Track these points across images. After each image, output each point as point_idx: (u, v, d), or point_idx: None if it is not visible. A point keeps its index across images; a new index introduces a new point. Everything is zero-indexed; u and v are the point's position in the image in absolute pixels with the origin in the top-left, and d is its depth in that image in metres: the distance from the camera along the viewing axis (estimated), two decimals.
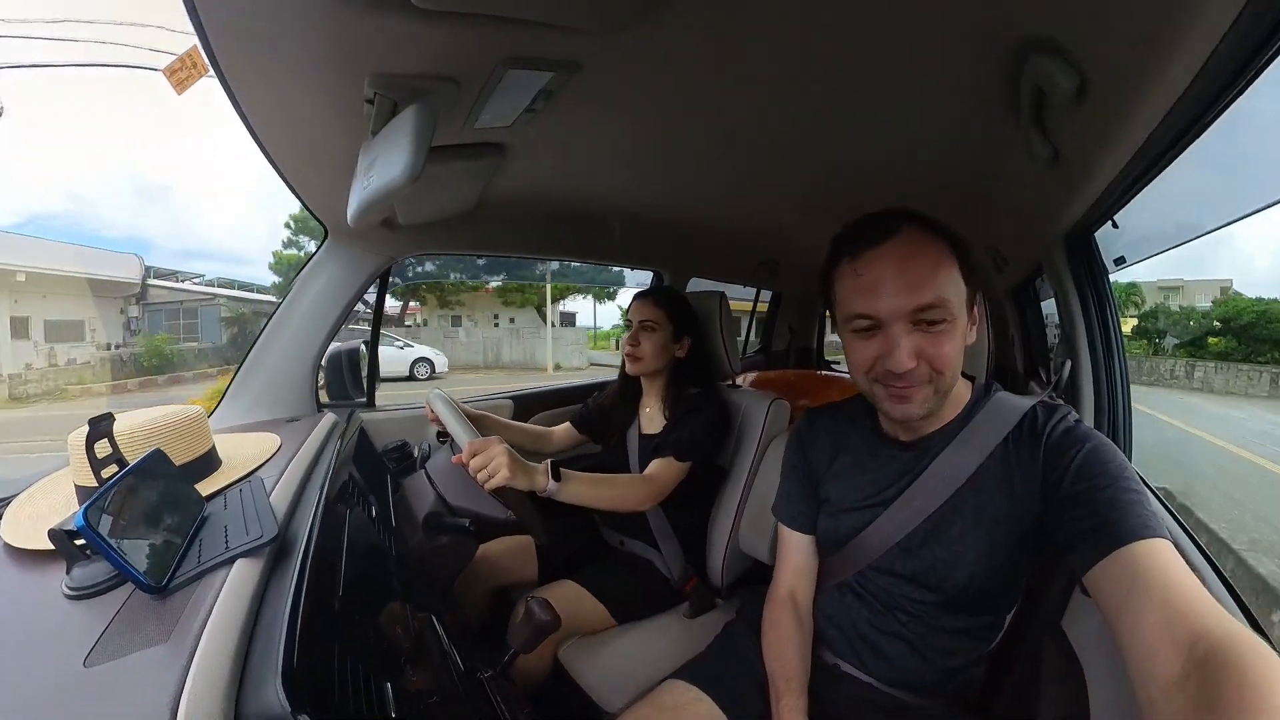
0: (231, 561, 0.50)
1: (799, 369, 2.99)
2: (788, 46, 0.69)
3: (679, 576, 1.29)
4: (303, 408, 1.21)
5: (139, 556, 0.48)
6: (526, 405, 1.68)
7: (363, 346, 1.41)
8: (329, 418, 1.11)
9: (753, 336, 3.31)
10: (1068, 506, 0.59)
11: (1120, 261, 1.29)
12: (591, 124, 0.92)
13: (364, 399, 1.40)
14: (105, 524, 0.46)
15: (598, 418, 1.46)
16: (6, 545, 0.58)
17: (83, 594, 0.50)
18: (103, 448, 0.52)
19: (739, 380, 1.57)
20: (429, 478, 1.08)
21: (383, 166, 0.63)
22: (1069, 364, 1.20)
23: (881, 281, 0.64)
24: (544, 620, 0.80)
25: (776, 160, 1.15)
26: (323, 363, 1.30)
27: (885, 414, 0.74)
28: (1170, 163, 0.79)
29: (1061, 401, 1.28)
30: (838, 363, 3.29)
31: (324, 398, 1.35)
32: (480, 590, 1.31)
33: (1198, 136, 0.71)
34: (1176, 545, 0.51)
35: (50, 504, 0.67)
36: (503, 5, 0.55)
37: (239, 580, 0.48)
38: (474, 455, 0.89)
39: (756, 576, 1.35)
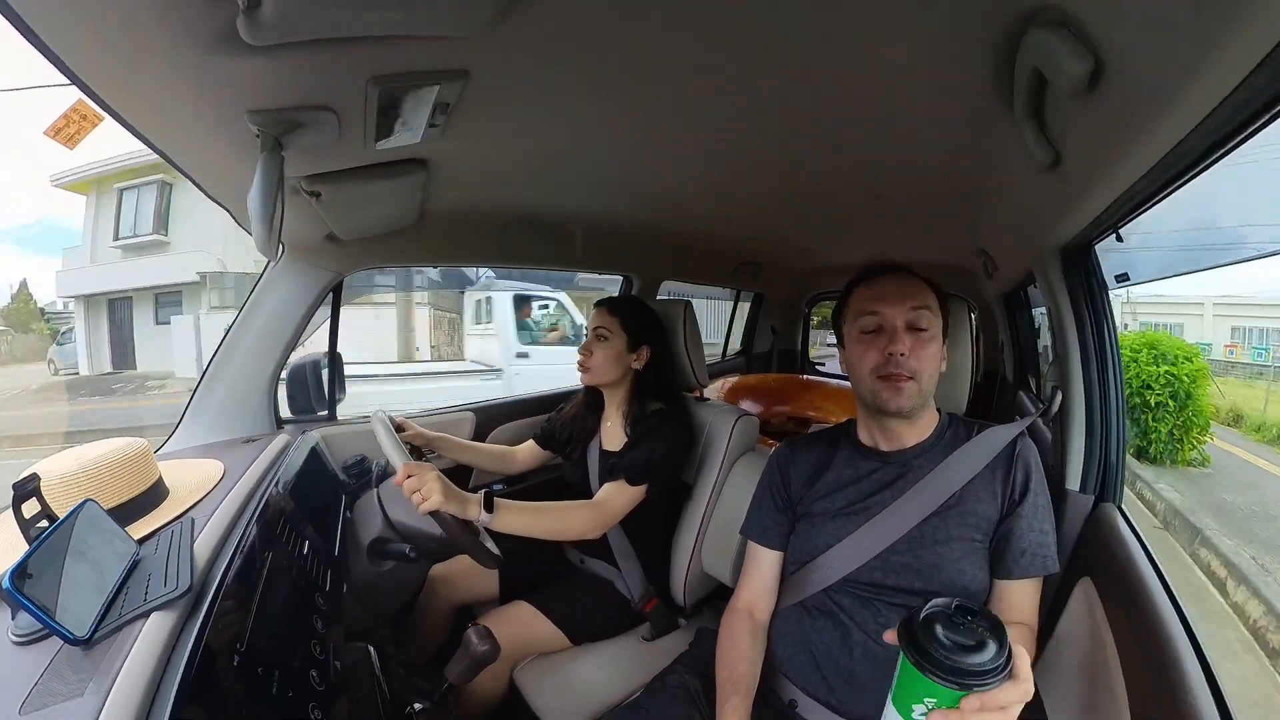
0: (148, 614, 0.59)
1: (781, 373, 3.03)
2: (745, 28, 0.67)
3: (639, 597, 1.36)
4: (260, 426, 1.32)
5: (67, 609, 0.58)
6: (489, 417, 1.76)
7: (324, 359, 1.50)
8: (281, 439, 1.21)
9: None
10: (1006, 528, 0.86)
11: (1123, 279, 1.27)
12: (516, 130, 0.93)
13: (325, 412, 1.50)
14: (32, 583, 0.56)
15: (561, 431, 1.52)
16: None
17: (26, 640, 0.60)
18: (30, 507, 0.62)
19: (708, 391, 1.61)
20: (379, 499, 1.17)
21: (252, 208, 0.69)
22: (1059, 394, 1.20)
23: (887, 291, 0.91)
24: (481, 651, 0.88)
25: (746, 158, 1.16)
26: (285, 376, 1.40)
27: (883, 407, 0.90)
28: (1201, 173, 0.71)
29: (1045, 429, 1.29)
30: (822, 363, 3.30)
31: (290, 410, 1.46)
32: (441, 609, 1.41)
33: (1242, 144, 0.61)
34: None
35: (8, 537, 0.78)
36: (340, 26, 0.57)
37: (152, 633, 0.57)
38: (408, 477, 0.97)
39: (721, 594, 1.42)
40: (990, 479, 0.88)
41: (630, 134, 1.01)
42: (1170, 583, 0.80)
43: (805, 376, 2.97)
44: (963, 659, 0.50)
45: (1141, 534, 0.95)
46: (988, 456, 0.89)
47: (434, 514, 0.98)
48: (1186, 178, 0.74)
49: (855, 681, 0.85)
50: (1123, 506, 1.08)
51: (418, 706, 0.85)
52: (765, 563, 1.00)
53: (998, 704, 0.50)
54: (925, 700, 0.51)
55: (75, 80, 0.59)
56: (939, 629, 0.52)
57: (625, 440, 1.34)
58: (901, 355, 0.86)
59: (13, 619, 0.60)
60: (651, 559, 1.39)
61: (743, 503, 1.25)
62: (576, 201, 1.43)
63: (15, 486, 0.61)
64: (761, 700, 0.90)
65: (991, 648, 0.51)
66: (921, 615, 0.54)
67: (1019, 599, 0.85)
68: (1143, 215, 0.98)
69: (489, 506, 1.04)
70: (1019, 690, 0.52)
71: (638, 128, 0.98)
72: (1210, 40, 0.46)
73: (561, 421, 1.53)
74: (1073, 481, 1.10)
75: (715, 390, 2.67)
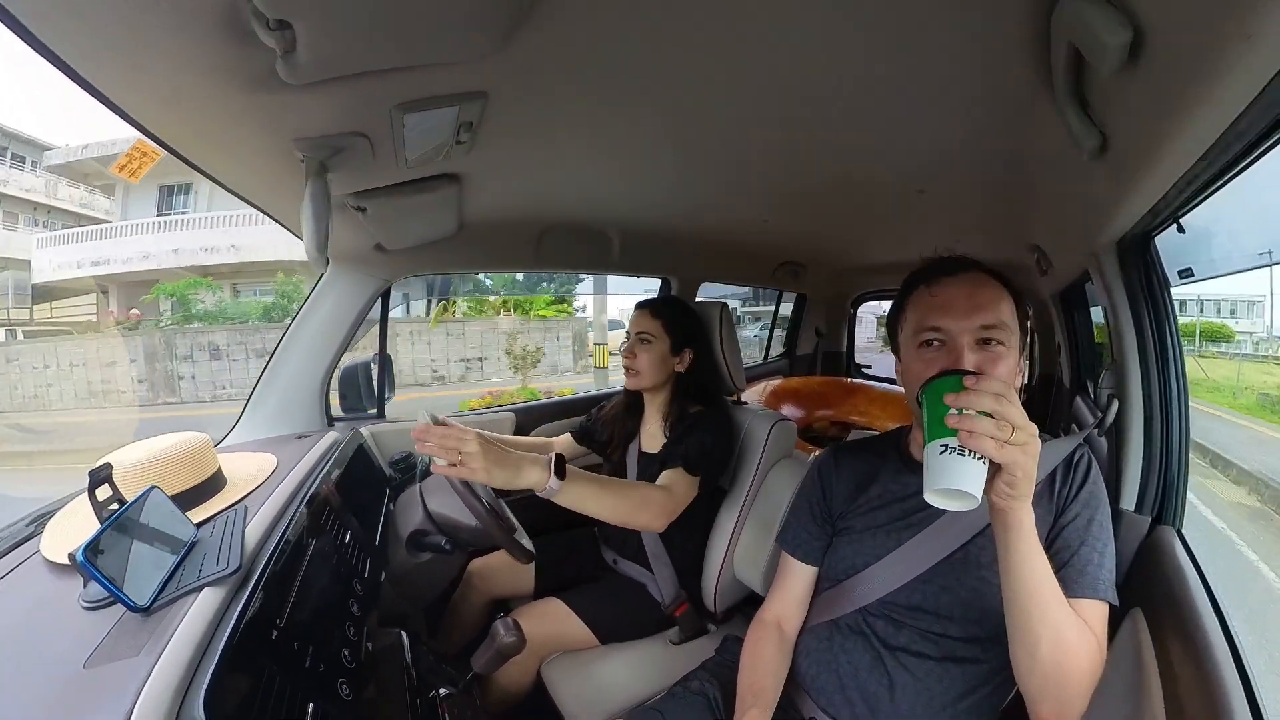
0: (200, 589, 0.64)
1: (826, 375, 2.93)
2: (772, 26, 0.66)
3: (670, 601, 1.34)
4: (312, 423, 1.40)
5: (130, 581, 0.63)
6: (528, 419, 1.80)
7: (373, 360, 1.58)
8: (331, 435, 1.28)
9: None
10: (1056, 539, 0.77)
11: (1186, 274, 1.17)
12: (542, 143, 0.96)
13: (375, 411, 1.58)
14: (102, 557, 0.61)
15: (600, 430, 1.53)
16: (45, 558, 0.76)
17: (95, 606, 0.66)
18: (103, 491, 0.68)
19: (745, 395, 1.59)
20: (421, 493, 1.21)
21: (304, 228, 0.75)
22: (1116, 402, 1.10)
23: (953, 302, 0.76)
24: (506, 643, 0.89)
25: (781, 156, 1.14)
26: (338, 376, 1.49)
27: None
28: (1268, 152, 0.65)
29: (1100, 441, 1.19)
30: (869, 365, 3.16)
31: (341, 409, 1.55)
32: (477, 602, 1.45)
33: None
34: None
35: (83, 519, 0.86)
36: (365, 61, 0.61)
37: (203, 605, 0.62)
38: (444, 436, 0.85)
39: (752, 601, 1.39)
40: (1042, 496, 0.79)
41: (660, 138, 1.01)
42: (1230, 622, 0.72)
43: (851, 380, 2.88)
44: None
45: (1202, 563, 0.86)
46: (1045, 469, 0.80)
47: (468, 505, 1.01)
48: (1252, 157, 0.67)
49: (880, 709, 0.81)
50: (1182, 531, 0.98)
51: (443, 692, 0.87)
52: (798, 576, 0.96)
53: (992, 387, 0.58)
54: (946, 399, 0.59)
55: (135, 125, 0.66)
56: None
57: (665, 441, 1.33)
58: None
59: (84, 587, 0.67)
60: (684, 563, 1.37)
61: (777, 509, 1.22)
62: (612, 206, 1.45)
63: (91, 473, 0.68)
64: (780, 714, 0.87)
65: None
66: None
67: None
68: (1207, 206, 0.90)
69: (560, 473, 0.91)
70: (1005, 385, 0.59)
71: (667, 132, 0.98)
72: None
73: (601, 422, 1.53)
74: (1128, 501, 1.02)
75: (756, 394, 2.62)
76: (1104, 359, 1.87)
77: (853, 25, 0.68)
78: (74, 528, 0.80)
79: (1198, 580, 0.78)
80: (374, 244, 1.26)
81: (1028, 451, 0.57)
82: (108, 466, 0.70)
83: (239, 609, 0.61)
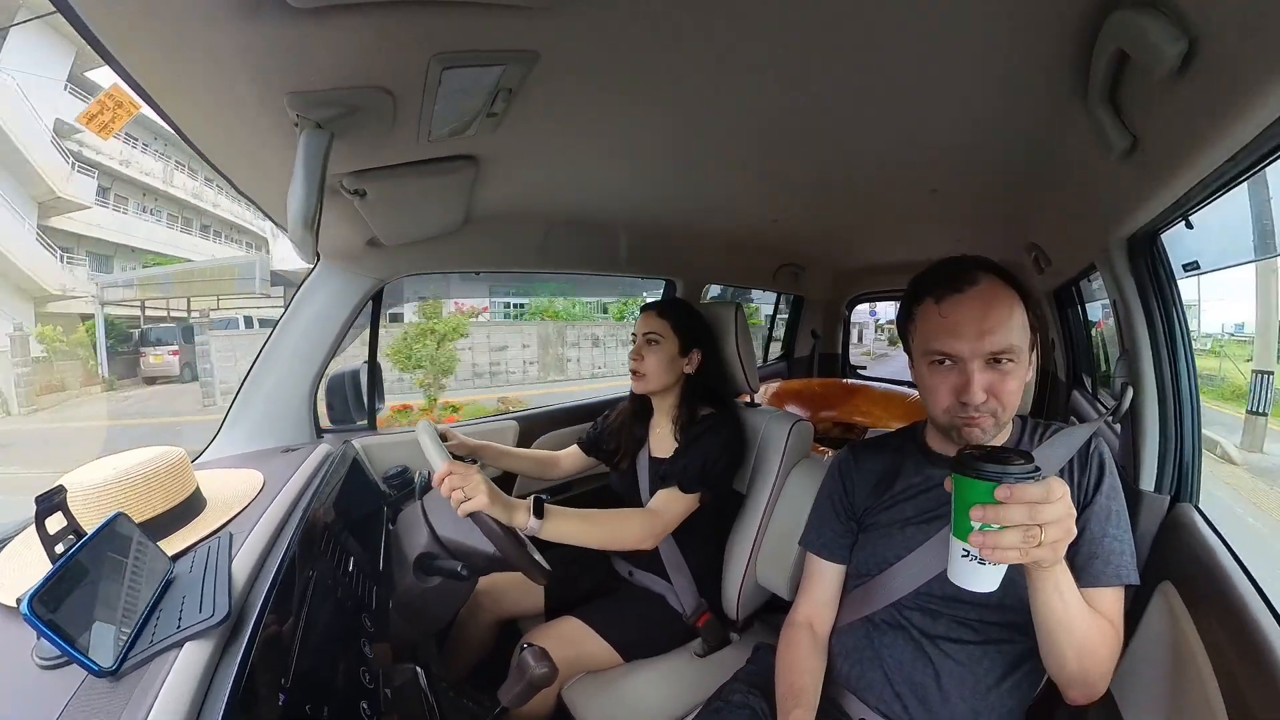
0: (181, 644, 0.50)
1: (823, 377, 2.93)
2: (803, 19, 0.61)
3: (691, 611, 1.26)
4: (300, 435, 1.24)
5: (92, 635, 0.49)
6: (532, 426, 1.68)
7: (363, 368, 1.42)
8: (322, 449, 1.13)
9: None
10: (1083, 531, 0.74)
11: (1192, 267, 1.17)
12: (572, 123, 0.86)
13: (365, 422, 1.42)
14: (55, 606, 0.47)
15: (608, 439, 1.43)
16: None
17: (52, 664, 0.51)
18: (56, 521, 0.53)
19: (757, 397, 1.52)
20: (424, 511, 1.08)
21: (292, 202, 0.61)
22: (1130, 390, 1.09)
23: (963, 325, 0.73)
24: (538, 674, 0.79)
25: (795, 155, 1.08)
26: (324, 386, 1.33)
27: (960, 440, 0.80)
28: None
29: (1117, 426, 1.19)
30: (864, 366, 3.18)
31: (329, 420, 1.38)
32: (485, 622, 1.32)
33: None
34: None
35: (40, 553, 0.70)
36: None
37: (187, 664, 0.48)
38: (449, 477, 0.88)
39: (773, 607, 1.31)
40: (1078, 482, 0.78)
41: (692, 133, 0.94)
42: (1263, 585, 0.72)
43: (848, 381, 2.87)
44: (987, 461, 0.56)
45: (1225, 535, 0.87)
46: (1064, 458, 0.79)
47: (478, 523, 0.89)
48: (1275, 158, 0.66)
49: (929, 699, 0.78)
50: (1201, 507, 0.99)
51: None
52: (826, 576, 0.92)
53: (1027, 498, 0.54)
54: (972, 515, 0.55)
55: (108, 58, 0.51)
56: (975, 453, 0.59)
57: (676, 447, 1.24)
58: (979, 404, 0.73)
59: (38, 640, 0.52)
60: (703, 571, 1.28)
61: (799, 512, 1.16)
62: (622, 204, 1.35)
63: (38, 500, 0.52)
64: (825, 718, 0.82)
65: (1018, 460, 0.56)
66: (965, 453, 0.59)
67: (1096, 606, 0.74)
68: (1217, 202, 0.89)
69: (539, 513, 0.94)
70: (1045, 490, 0.54)
71: (687, 126, 0.91)
72: None
73: (608, 431, 1.44)
74: (1147, 482, 1.01)
75: (759, 396, 2.58)
76: (1096, 353, 1.90)
77: (891, 30, 0.64)
78: (30, 561, 0.64)
79: (1225, 551, 0.78)
80: (367, 239, 1.11)
81: (1056, 549, 0.56)
82: (60, 490, 0.55)
83: (234, 668, 0.48)
